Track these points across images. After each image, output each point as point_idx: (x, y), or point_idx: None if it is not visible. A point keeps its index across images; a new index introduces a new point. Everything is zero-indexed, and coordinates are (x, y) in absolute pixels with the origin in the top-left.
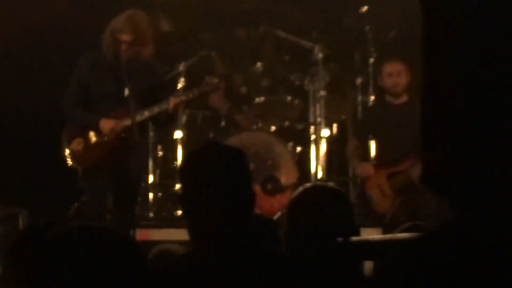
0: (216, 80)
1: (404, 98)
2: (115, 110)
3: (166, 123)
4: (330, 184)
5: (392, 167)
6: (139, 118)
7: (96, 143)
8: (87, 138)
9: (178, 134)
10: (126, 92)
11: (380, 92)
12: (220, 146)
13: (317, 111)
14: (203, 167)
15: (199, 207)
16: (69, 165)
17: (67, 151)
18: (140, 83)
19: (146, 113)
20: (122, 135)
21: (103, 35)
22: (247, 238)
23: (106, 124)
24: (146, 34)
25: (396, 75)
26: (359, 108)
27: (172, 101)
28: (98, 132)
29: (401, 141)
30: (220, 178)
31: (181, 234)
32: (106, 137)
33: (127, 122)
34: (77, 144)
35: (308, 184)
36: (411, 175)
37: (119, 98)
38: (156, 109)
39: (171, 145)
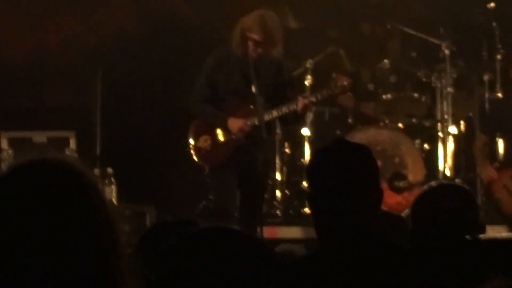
0: (345, 82)
1: None
2: (243, 108)
3: (294, 122)
4: (457, 181)
5: None
6: (267, 117)
7: (223, 141)
8: (214, 136)
9: (305, 132)
10: (254, 89)
11: (510, 87)
12: (347, 144)
13: (445, 108)
14: (331, 165)
15: (327, 206)
16: (195, 161)
17: (193, 148)
18: (268, 81)
19: (275, 113)
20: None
21: (232, 32)
22: (375, 237)
23: (235, 123)
24: (276, 35)
25: None
26: (487, 105)
27: (301, 102)
28: (226, 130)
29: None
30: (348, 176)
31: (308, 232)
32: (233, 136)
33: (255, 120)
34: (204, 141)
35: (433, 182)
36: None
37: (246, 95)
38: (284, 109)
39: (298, 142)
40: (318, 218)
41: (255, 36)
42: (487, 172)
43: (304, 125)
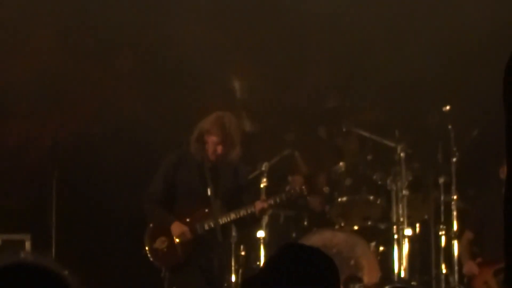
0: (302, 186)
1: None
2: (199, 210)
3: (251, 225)
4: (412, 284)
5: (499, 263)
6: (224, 219)
7: (180, 242)
8: (171, 237)
9: (260, 234)
10: (209, 192)
11: (499, 184)
12: (301, 247)
13: (400, 210)
14: (285, 269)
15: None
16: (152, 263)
17: (150, 249)
18: (225, 184)
19: (232, 215)
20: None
21: (191, 136)
22: None
23: (177, 228)
24: (234, 136)
25: None
26: (442, 208)
27: (259, 205)
28: (185, 234)
29: None
30: (304, 279)
31: None
32: (176, 240)
33: (211, 223)
34: (161, 242)
35: (389, 286)
36: None
37: (203, 198)
38: (242, 212)
39: (253, 244)
40: None
41: (213, 138)
42: (469, 267)
43: (259, 227)
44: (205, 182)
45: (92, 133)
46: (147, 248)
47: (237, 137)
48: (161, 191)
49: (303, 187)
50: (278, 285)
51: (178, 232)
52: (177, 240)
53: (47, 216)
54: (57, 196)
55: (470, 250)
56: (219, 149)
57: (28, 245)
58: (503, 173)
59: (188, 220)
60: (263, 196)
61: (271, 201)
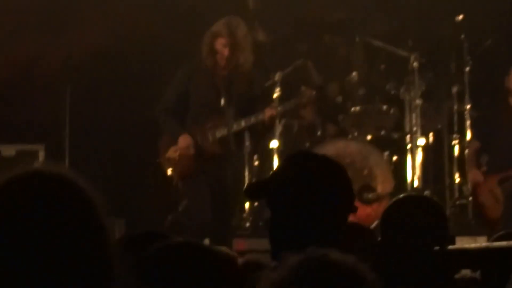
0: (313, 92)
1: None
2: (212, 119)
3: (263, 133)
4: (426, 193)
5: (503, 172)
6: (235, 128)
7: (195, 153)
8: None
9: (274, 144)
10: (222, 102)
11: (498, 96)
12: (308, 155)
13: (413, 120)
14: (292, 175)
15: (289, 215)
16: (167, 173)
17: (163, 159)
18: (239, 93)
19: (243, 123)
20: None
21: (202, 44)
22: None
23: (183, 141)
24: (243, 38)
25: None
26: (455, 118)
27: (268, 112)
28: (198, 143)
29: None
30: (310, 186)
31: None
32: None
33: (223, 131)
34: (173, 152)
35: (402, 194)
36: None
37: (216, 107)
38: (252, 119)
39: (267, 155)
40: (276, 227)
41: (223, 40)
42: (474, 175)
43: (272, 137)
44: (218, 92)
45: (106, 46)
46: (160, 157)
47: (245, 42)
48: (174, 103)
49: (313, 92)
50: (281, 190)
51: (183, 144)
52: (192, 152)
53: (61, 127)
54: (70, 108)
55: (476, 159)
56: (226, 51)
57: (41, 155)
58: (508, 81)
59: (200, 129)
60: (273, 104)
61: (280, 108)
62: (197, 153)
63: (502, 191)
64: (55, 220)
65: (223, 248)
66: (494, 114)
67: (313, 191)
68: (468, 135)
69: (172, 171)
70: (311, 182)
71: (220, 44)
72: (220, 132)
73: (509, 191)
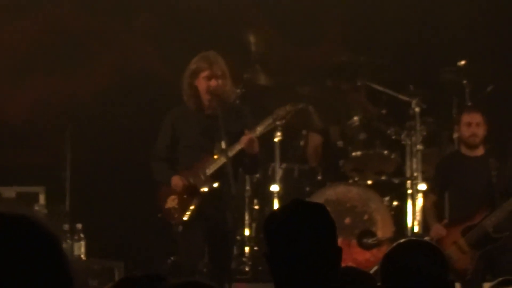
0: (287, 109)
1: (480, 151)
2: (202, 159)
3: (252, 167)
4: (426, 239)
5: (466, 222)
6: (223, 160)
7: (189, 196)
8: (180, 193)
9: (274, 188)
10: (223, 145)
11: (457, 143)
12: (302, 203)
13: (414, 165)
14: (285, 225)
15: (285, 265)
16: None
17: (164, 211)
18: (229, 129)
19: (229, 154)
20: (215, 185)
21: (182, 86)
22: None
23: (175, 181)
24: (222, 66)
25: (475, 125)
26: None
27: (244, 139)
28: (191, 185)
29: (474, 194)
30: (303, 235)
31: None
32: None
33: (213, 168)
34: (172, 201)
35: (403, 239)
36: (486, 227)
37: (206, 147)
38: (237, 147)
39: (267, 198)
40: (277, 277)
41: (203, 74)
42: (435, 229)
43: (273, 181)
44: (206, 131)
45: (108, 88)
46: (161, 211)
47: (226, 69)
48: (165, 149)
49: (287, 107)
50: (282, 241)
51: (178, 184)
52: (185, 196)
53: (62, 170)
54: (72, 150)
55: (435, 213)
56: (213, 83)
57: (42, 198)
58: (458, 130)
59: (191, 170)
60: (249, 129)
61: (257, 130)
62: (192, 194)
63: (467, 241)
64: (12, 257)
65: None
66: (451, 163)
67: (307, 239)
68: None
69: (175, 220)
70: (305, 231)
71: (204, 78)
72: (211, 169)
73: (473, 240)
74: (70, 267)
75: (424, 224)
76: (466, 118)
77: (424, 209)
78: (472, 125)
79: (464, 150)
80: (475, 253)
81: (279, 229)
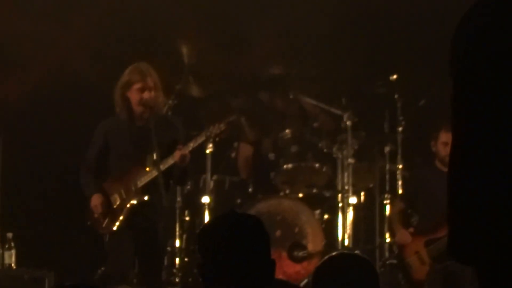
0: (221, 128)
1: None
2: (133, 170)
3: (182, 179)
4: (356, 252)
5: (431, 234)
6: (155, 173)
7: (118, 206)
8: (109, 203)
9: (205, 200)
10: (155, 156)
11: (430, 156)
12: (235, 215)
13: (345, 178)
14: (220, 237)
15: (217, 276)
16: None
17: (92, 219)
18: (159, 140)
19: (161, 167)
20: (145, 198)
21: (114, 98)
22: None
23: (94, 201)
24: (155, 78)
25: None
26: (387, 177)
27: (177, 154)
28: (121, 196)
29: (443, 208)
30: (237, 247)
31: None
32: (128, 201)
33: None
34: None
35: (335, 252)
36: None
37: (137, 157)
38: (169, 161)
39: (198, 210)
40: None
41: (136, 86)
42: (401, 236)
43: (204, 193)
44: (137, 142)
45: (40, 94)
46: (89, 220)
47: (158, 80)
48: (94, 160)
49: (221, 125)
50: (215, 252)
51: (93, 204)
52: (115, 206)
53: None
54: (2, 157)
55: (402, 219)
56: (146, 95)
57: None
58: (434, 146)
59: (122, 181)
60: (181, 145)
61: (189, 146)
62: (115, 209)
63: (428, 253)
64: None
65: None
66: (423, 174)
67: (241, 251)
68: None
69: (102, 229)
70: (239, 242)
71: (136, 90)
72: (142, 181)
73: (435, 253)
74: None
75: (390, 231)
76: (443, 137)
77: (390, 215)
78: (448, 145)
79: (438, 165)
80: (435, 266)
81: (213, 241)
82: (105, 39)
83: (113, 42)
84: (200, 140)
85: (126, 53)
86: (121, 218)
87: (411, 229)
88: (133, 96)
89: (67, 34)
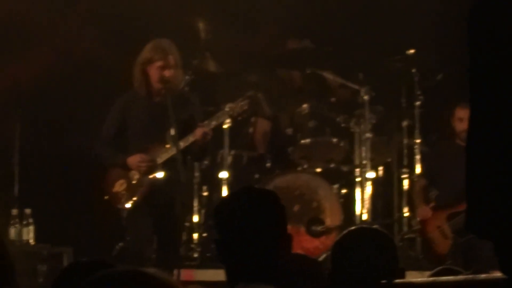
0: (242, 107)
1: None
2: (152, 146)
3: (200, 155)
4: (375, 226)
5: (452, 208)
6: (174, 151)
7: (138, 181)
8: (128, 178)
9: (223, 175)
10: (172, 132)
11: (449, 132)
12: (252, 190)
13: (363, 153)
14: (236, 212)
15: (235, 251)
16: (116, 207)
17: (110, 195)
18: (178, 116)
19: (181, 145)
20: (163, 175)
21: (133, 72)
22: (284, 280)
23: (133, 161)
24: (176, 56)
25: (467, 121)
26: (405, 151)
27: (199, 131)
28: (140, 171)
29: (463, 182)
30: (254, 222)
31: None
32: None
33: (164, 157)
34: (120, 185)
35: (353, 227)
36: None
37: (155, 134)
38: (190, 139)
39: (216, 185)
40: (227, 263)
41: (157, 64)
42: (422, 211)
43: (222, 168)
44: (156, 119)
45: (54, 74)
46: (107, 194)
47: (179, 58)
48: (113, 136)
49: (242, 103)
50: (232, 227)
51: (135, 162)
52: (134, 181)
53: (10, 155)
54: (20, 135)
55: (424, 195)
56: (167, 73)
57: None
58: (454, 121)
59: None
60: (204, 122)
61: (209, 125)
62: (133, 184)
63: (450, 227)
64: None
65: (166, 277)
66: (443, 149)
67: (257, 226)
68: (418, 169)
69: (121, 205)
70: (255, 217)
71: (156, 68)
72: (162, 158)
73: (457, 227)
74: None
75: (411, 206)
76: (459, 113)
77: (413, 191)
78: (463, 121)
79: (458, 140)
80: (457, 240)
81: (230, 216)
82: (116, 16)
83: (123, 19)
84: (222, 118)
85: (139, 29)
86: (139, 194)
87: (432, 204)
88: (154, 73)
89: (74, 12)
